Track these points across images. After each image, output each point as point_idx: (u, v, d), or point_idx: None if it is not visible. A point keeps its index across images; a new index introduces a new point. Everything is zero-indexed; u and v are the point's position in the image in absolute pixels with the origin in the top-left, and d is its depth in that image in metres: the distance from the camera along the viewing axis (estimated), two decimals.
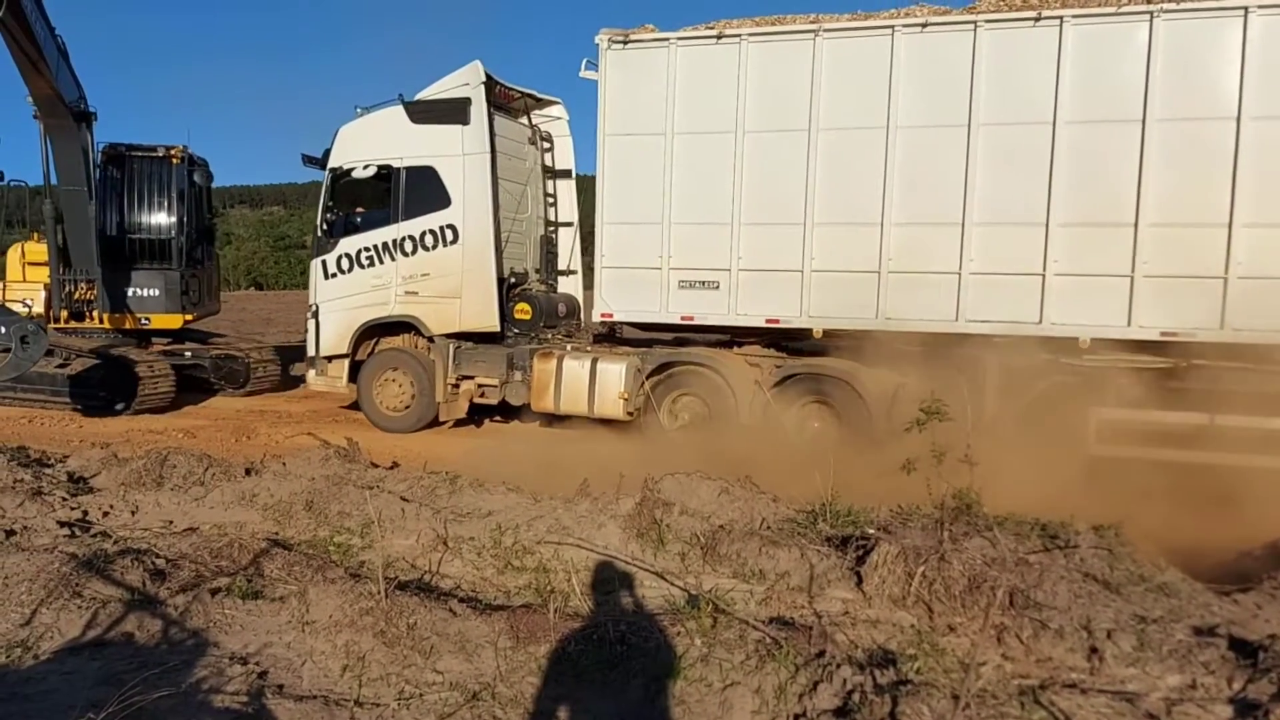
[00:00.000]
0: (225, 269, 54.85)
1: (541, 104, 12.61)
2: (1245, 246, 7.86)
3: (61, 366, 13.18)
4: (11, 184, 13.92)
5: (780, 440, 9.36)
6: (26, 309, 10.70)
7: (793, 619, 4.59)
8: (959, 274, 8.69)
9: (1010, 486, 6.22)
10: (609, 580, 5.22)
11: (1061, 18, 8.23)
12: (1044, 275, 8.43)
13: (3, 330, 10.10)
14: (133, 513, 6.95)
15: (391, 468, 8.18)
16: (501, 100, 11.69)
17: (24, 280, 14.30)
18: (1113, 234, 8.21)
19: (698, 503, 6.13)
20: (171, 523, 6.66)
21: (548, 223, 12.56)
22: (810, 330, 9.31)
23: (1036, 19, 8.32)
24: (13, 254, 14.60)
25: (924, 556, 4.67)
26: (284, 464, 7.81)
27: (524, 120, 12.39)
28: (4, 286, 14.18)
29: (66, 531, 6.21)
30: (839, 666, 3.71)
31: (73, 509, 6.85)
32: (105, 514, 6.89)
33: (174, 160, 14.06)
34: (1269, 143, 7.77)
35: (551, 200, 12.64)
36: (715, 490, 6.28)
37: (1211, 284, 7.98)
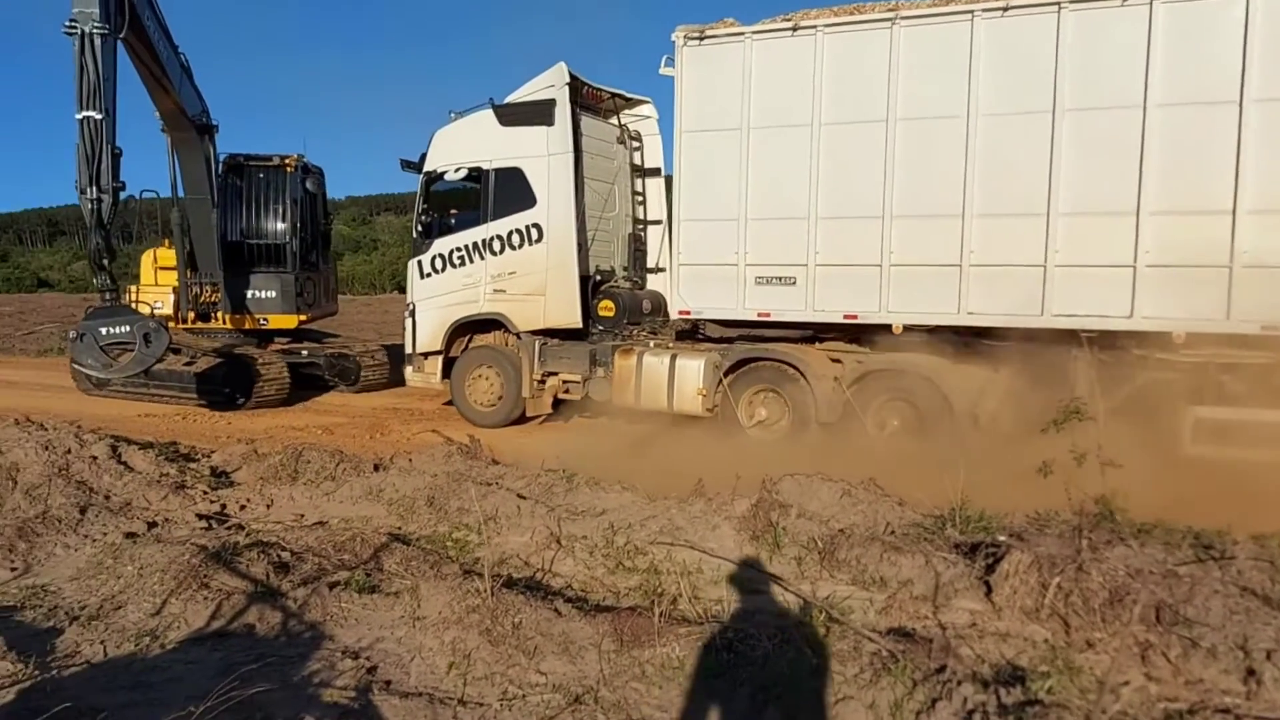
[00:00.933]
0: (371, 274, 57.57)
1: (631, 103, 12.68)
2: None
3: (189, 364, 14.09)
4: (144, 194, 14.92)
5: (859, 438, 9.22)
6: (151, 310, 11.47)
7: (914, 630, 4.26)
8: (1044, 266, 8.33)
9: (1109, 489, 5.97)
10: (719, 583, 5.02)
11: None
12: (1134, 267, 7.98)
13: (127, 329, 10.94)
14: (268, 506, 7.14)
15: (494, 463, 8.22)
16: (589, 101, 11.78)
17: (156, 284, 15.19)
18: (1206, 222, 7.72)
19: (817, 505, 5.82)
20: (303, 516, 6.80)
21: (636, 221, 12.62)
22: (890, 325, 9.10)
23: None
24: (146, 259, 15.57)
25: (1060, 566, 4.28)
26: (410, 460, 7.92)
27: (613, 120, 12.52)
28: (138, 289, 15.24)
29: (204, 524, 6.43)
30: (961, 683, 3.41)
31: (212, 502, 7.12)
32: (242, 507, 7.10)
33: (288, 169, 14.77)
34: None
35: (640, 199, 12.69)
36: (836, 492, 5.93)
37: None
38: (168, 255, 15.05)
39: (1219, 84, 7.58)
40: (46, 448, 7.54)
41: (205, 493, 7.32)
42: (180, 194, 14.13)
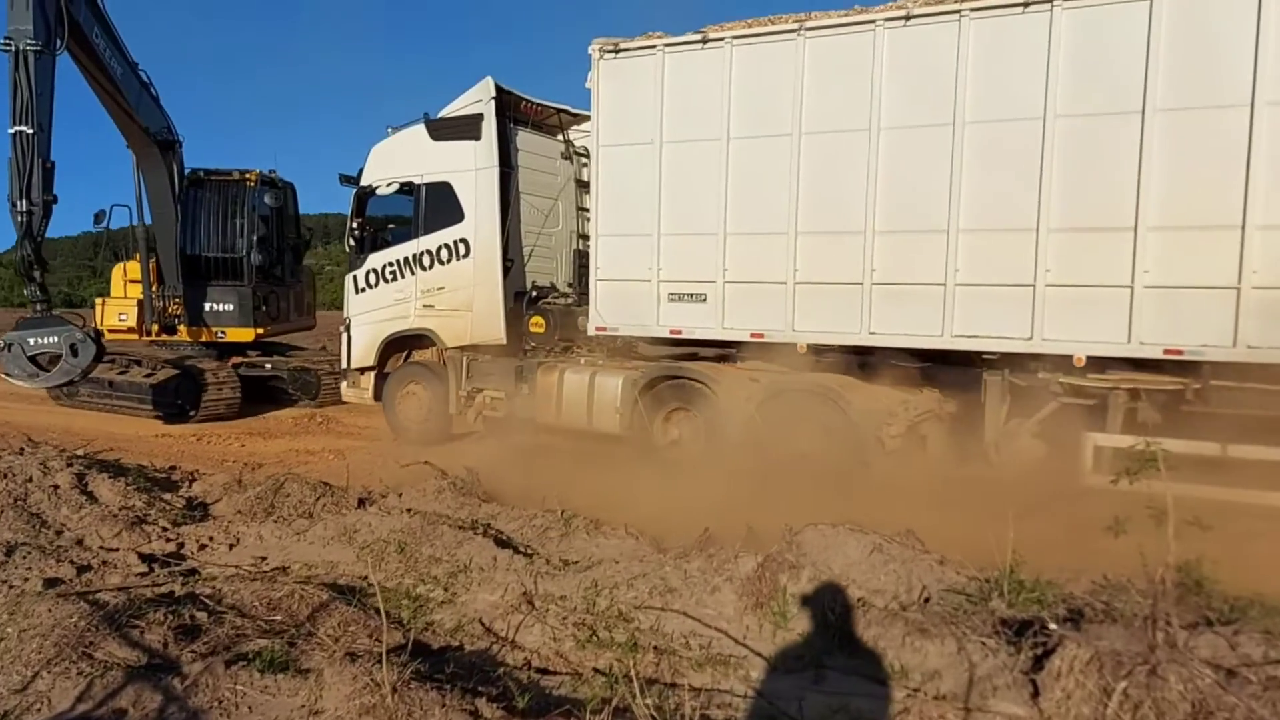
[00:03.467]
0: None
1: (578, 119, 12.56)
2: (1261, 252, 6.84)
3: (148, 376, 14.24)
4: (115, 208, 15.09)
5: (766, 459, 8.90)
6: (84, 321, 11.52)
7: None
8: (945, 285, 8.00)
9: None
10: (706, 667, 4.33)
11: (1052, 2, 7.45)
12: (1035, 286, 7.63)
13: (55, 340, 10.98)
14: (230, 546, 6.71)
15: (486, 502, 7.55)
16: (529, 116, 11.73)
17: (125, 296, 15.48)
18: (1107, 239, 7.34)
19: (841, 562, 4.93)
20: (264, 559, 6.38)
21: (582, 236, 12.48)
22: (795, 345, 8.80)
23: (1025, 5, 7.56)
24: (116, 272, 15.85)
25: (1127, 666, 3.49)
26: (399, 495, 7.58)
27: (560, 136, 12.38)
28: (104, 302, 15.40)
29: (145, 568, 6.03)
30: None
31: (169, 540, 6.71)
32: (202, 547, 6.68)
33: (249, 184, 14.92)
34: None
35: (587, 214, 12.55)
36: (866, 547, 5.03)
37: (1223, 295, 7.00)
38: (137, 268, 15.12)
39: (1121, 94, 7.23)
40: (4, 475, 7.33)
41: (165, 529, 6.94)
42: (146, 208, 14.18)
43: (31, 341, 10.90)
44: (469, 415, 11.16)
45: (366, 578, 5.64)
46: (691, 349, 10.13)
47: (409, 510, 6.94)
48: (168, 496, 7.85)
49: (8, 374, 11.17)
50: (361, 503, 7.44)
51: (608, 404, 9.97)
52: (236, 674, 4.12)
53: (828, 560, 4.94)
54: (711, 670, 4.31)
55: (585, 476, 8.70)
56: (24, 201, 10.62)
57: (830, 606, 4.60)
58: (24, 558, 6.04)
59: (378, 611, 4.75)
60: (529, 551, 6.14)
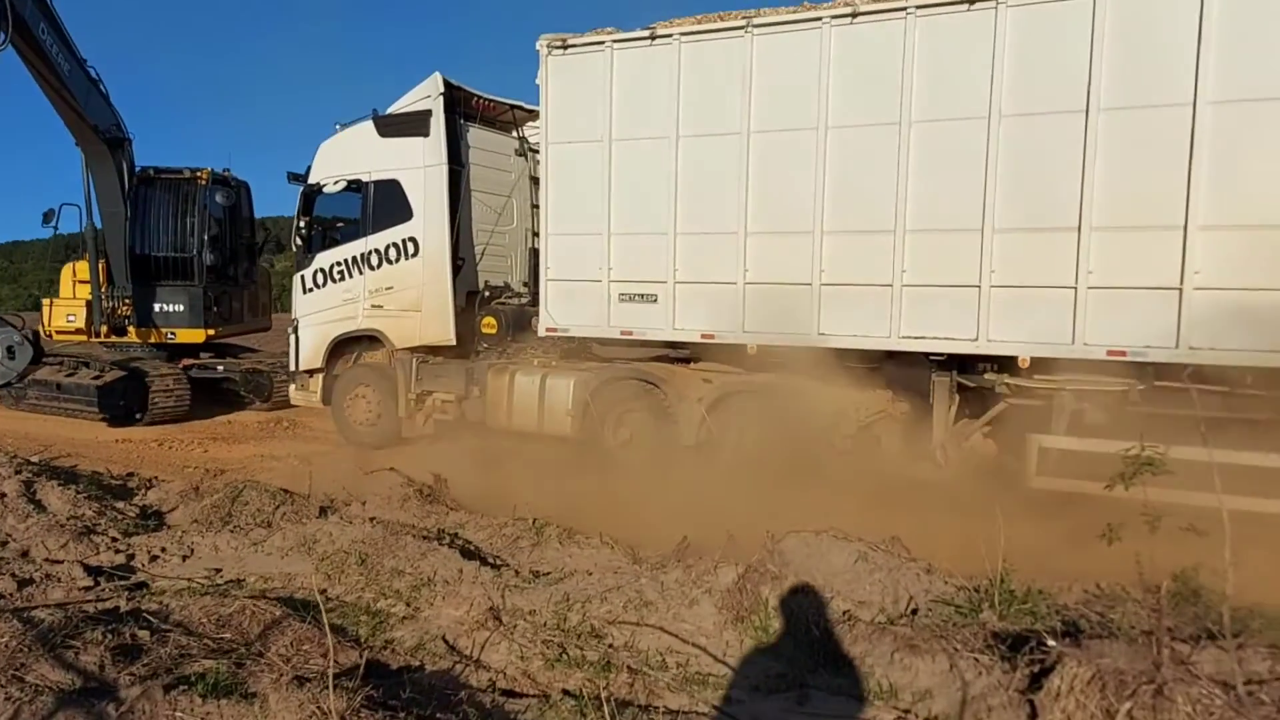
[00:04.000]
0: None
1: (532, 115, 12.37)
2: (1203, 253, 6.80)
3: (96, 378, 13.92)
4: (64, 207, 14.74)
5: (718, 463, 8.80)
6: (24, 323, 11.22)
7: None
8: (892, 286, 7.92)
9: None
10: (684, 688, 4.09)
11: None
12: (980, 287, 7.56)
13: None
14: (184, 558, 6.41)
15: (454, 510, 7.31)
16: (481, 112, 11.55)
17: (74, 297, 15.15)
18: (1054, 240, 7.27)
19: (825, 572, 4.74)
20: (219, 571, 6.11)
21: (536, 234, 12.29)
22: (745, 346, 8.69)
23: (970, 2, 7.49)
24: (65, 273, 15.51)
25: (1132, 686, 3.26)
26: (363, 503, 7.32)
27: (516, 133, 12.19)
28: (51, 303, 15.06)
29: (89, 581, 5.76)
30: None
31: (119, 551, 6.43)
32: (153, 558, 6.37)
33: (200, 182, 14.62)
34: (1228, 130, 6.70)
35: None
36: (850, 555, 4.84)
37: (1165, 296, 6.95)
38: (86, 269, 14.79)
39: (1065, 92, 7.18)
40: None
41: (115, 540, 6.63)
42: (95, 207, 13.85)
43: None
44: (419, 419, 10.96)
45: (325, 591, 5.40)
46: (656, 350, 9.97)
47: (372, 519, 6.70)
48: (120, 505, 7.59)
49: None
50: (323, 511, 7.20)
51: (559, 406, 9.83)
52: (176, 699, 3.84)
53: (811, 570, 4.73)
54: (690, 691, 4.08)
55: (549, 480, 8.54)
56: None
57: (814, 620, 4.38)
58: None
59: (334, 629, 4.54)
60: (498, 563, 5.91)
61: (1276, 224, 6.55)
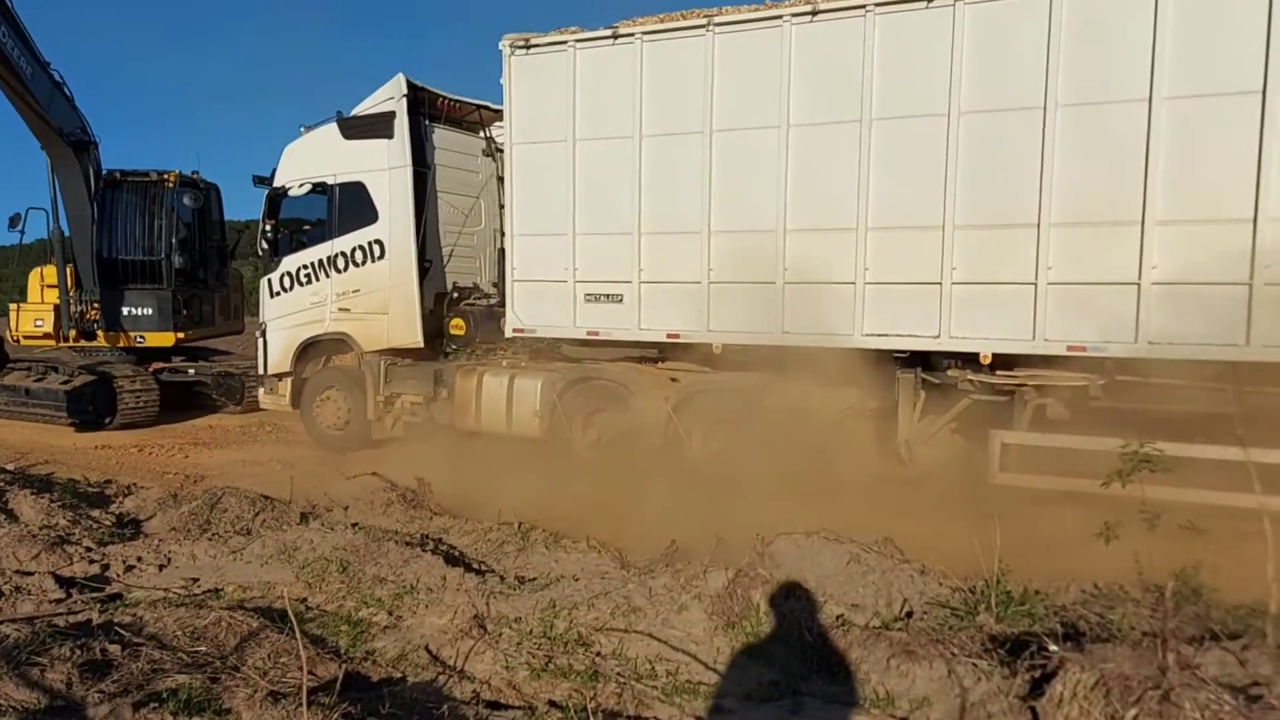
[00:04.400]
0: None
1: (499, 115, 12.28)
2: (1160, 248, 6.82)
3: (65, 383, 13.77)
4: (30, 211, 14.56)
5: (685, 462, 8.77)
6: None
7: None
8: (855, 284, 7.90)
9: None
10: (673, 698, 3.97)
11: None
12: (941, 284, 7.56)
13: None
14: (160, 567, 6.30)
15: (438, 515, 7.22)
16: (447, 112, 11.46)
17: (42, 301, 14.98)
18: (1014, 236, 7.28)
19: (817, 574, 4.64)
20: (196, 580, 6.01)
21: (505, 235, 12.22)
22: (710, 345, 8.66)
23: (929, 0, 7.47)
24: (33, 277, 15.34)
25: (1137, 691, 3.18)
26: (345, 509, 7.21)
27: (483, 133, 12.10)
28: (18, 308, 14.89)
29: (61, 593, 5.62)
30: None
31: (93, 561, 6.30)
32: (129, 568, 6.25)
33: (167, 185, 14.47)
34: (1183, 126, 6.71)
35: None
36: (843, 557, 4.72)
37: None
38: (54, 273, 14.62)
39: (1022, 89, 7.17)
40: None
41: (89, 550, 6.49)
42: (62, 211, 13.69)
43: None
44: (387, 421, 10.89)
45: (305, 600, 5.33)
46: (625, 350, 9.93)
47: (354, 525, 6.60)
48: (96, 513, 7.44)
49: None
50: (304, 518, 7.09)
51: (527, 408, 9.78)
52: (146, 717, 3.71)
53: (803, 572, 4.61)
54: (680, 701, 3.96)
55: (526, 480, 8.49)
56: None
57: (807, 625, 4.25)
58: None
59: (313, 640, 4.46)
60: (483, 569, 5.79)
61: (1231, 218, 6.57)
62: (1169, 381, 6.98)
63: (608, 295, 9.17)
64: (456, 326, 10.83)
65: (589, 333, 9.35)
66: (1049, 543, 5.69)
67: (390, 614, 5.09)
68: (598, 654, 4.36)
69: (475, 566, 5.83)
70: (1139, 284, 6.86)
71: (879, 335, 7.88)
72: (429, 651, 4.57)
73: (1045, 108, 7.12)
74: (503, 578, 5.52)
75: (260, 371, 11.90)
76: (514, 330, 9.81)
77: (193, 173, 15.38)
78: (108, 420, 13.50)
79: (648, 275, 8.93)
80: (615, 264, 9.08)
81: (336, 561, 5.83)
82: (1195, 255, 6.68)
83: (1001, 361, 7.56)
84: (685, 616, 4.50)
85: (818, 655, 4.11)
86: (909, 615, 4.44)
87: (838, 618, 4.36)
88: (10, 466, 8.75)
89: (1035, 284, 7.21)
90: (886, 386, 8.19)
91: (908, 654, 3.84)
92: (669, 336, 8.91)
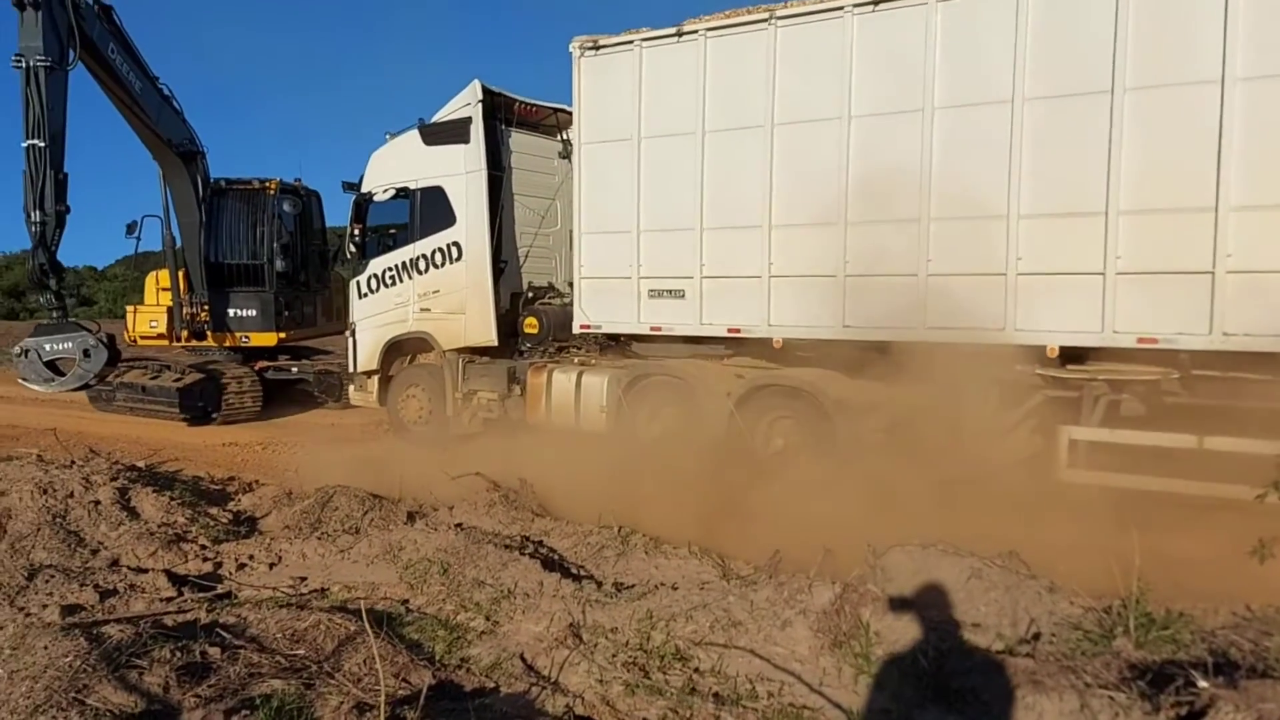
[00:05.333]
0: None
1: None
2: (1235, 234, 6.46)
3: (177, 380, 14.62)
4: (146, 219, 15.54)
5: (747, 458, 8.72)
6: (99, 327, 11.88)
7: None
8: (917, 275, 7.75)
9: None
10: (773, 719, 3.80)
11: None
12: (1006, 275, 7.33)
13: (69, 345, 11.31)
14: (271, 565, 6.36)
15: (539, 516, 7.13)
16: (524, 116, 11.71)
17: (157, 304, 15.97)
18: (1082, 225, 7.01)
19: (934, 591, 4.37)
20: (304, 579, 6.04)
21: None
22: (771, 340, 8.61)
23: None
24: (149, 280, 16.40)
25: None
26: (450, 509, 7.24)
27: (560, 136, 12.32)
28: (135, 309, 15.89)
29: (172, 591, 5.70)
30: None
31: (206, 559, 6.42)
32: (240, 566, 6.34)
33: (269, 192, 15.22)
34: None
35: None
36: (962, 572, 4.37)
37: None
38: (168, 276, 15.54)
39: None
40: (45, 491, 7.05)
41: (204, 547, 6.63)
42: (173, 218, 14.60)
43: (47, 347, 11.30)
44: (465, 417, 11.19)
45: (406, 602, 5.36)
46: (692, 346, 9.93)
47: (457, 526, 6.60)
48: (214, 511, 7.61)
49: (24, 379, 11.58)
50: (411, 517, 7.13)
51: (594, 403, 9.90)
52: None
53: (918, 588, 4.30)
54: None
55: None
56: (38, 212, 11.02)
57: (922, 647, 3.91)
58: (47, 581, 5.73)
59: (410, 645, 4.44)
60: (580, 574, 5.72)
61: None
62: (1250, 376, 6.61)
63: (670, 291, 9.25)
64: (530, 325, 11.06)
65: (652, 328, 9.45)
66: (1181, 559, 5.30)
67: (487, 619, 5.04)
68: (695, 670, 4.16)
69: (573, 571, 5.76)
70: (1213, 273, 6.51)
71: (941, 328, 7.69)
72: (523, 660, 4.45)
73: (1113, 91, 6.85)
74: (600, 584, 5.40)
75: (350, 369, 12.40)
76: (581, 326, 9.97)
77: (295, 180, 16.17)
78: (214, 415, 14.28)
79: (709, 271, 8.97)
80: (678, 260, 9.18)
81: (438, 563, 5.80)
82: (1273, 242, 6.31)
83: (1070, 355, 7.28)
84: (789, 633, 4.21)
85: (933, 681, 3.79)
86: (1036, 637, 4.04)
87: (957, 639, 4.03)
88: (141, 464, 9.04)
89: (1104, 274, 6.92)
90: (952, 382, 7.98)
91: (1034, 683, 3.46)
92: (729, 331, 8.94)
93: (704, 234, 8.94)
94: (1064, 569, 4.54)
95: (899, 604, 4.17)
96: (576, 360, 10.63)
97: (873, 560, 4.50)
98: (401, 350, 11.95)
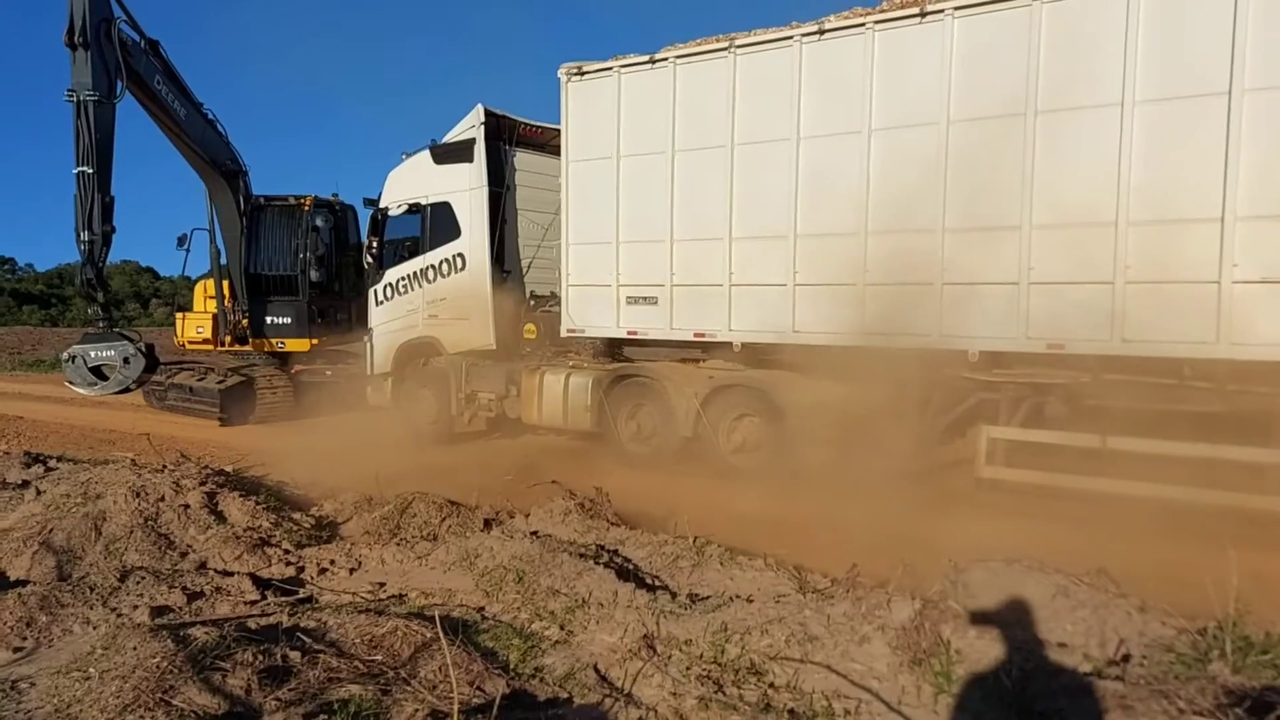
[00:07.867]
0: None
1: None
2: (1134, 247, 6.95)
3: (220, 383, 15.73)
4: (195, 232, 16.74)
5: (711, 452, 9.38)
6: (139, 336, 12.97)
7: None
8: (856, 285, 8.34)
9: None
10: None
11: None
12: (934, 284, 7.89)
13: (111, 353, 12.42)
14: (351, 570, 6.44)
15: (615, 525, 7.02)
16: (527, 137, 12.52)
17: (204, 311, 17.15)
18: (997, 238, 7.55)
19: (1018, 608, 4.16)
20: (383, 585, 6.10)
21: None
22: (730, 344, 9.26)
23: (922, 15, 7.85)
24: (198, 289, 17.66)
25: None
26: (526, 516, 7.26)
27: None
28: (183, 316, 17.09)
29: (257, 594, 5.82)
30: None
31: (289, 563, 6.50)
32: (322, 571, 6.44)
33: (304, 208, 16.28)
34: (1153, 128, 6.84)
35: None
36: (1048, 590, 4.17)
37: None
38: (214, 286, 16.67)
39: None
40: (138, 494, 7.19)
41: (287, 552, 6.70)
42: (217, 231, 15.76)
43: (92, 354, 12.44)
44: (466, 416, 11.98)
45: (482, 609, 5.44)
46: (671, 349, 10.62)
47: (533, 534, 6.58)
48: (297, 516, 7.66)
49: (70, 382, 12.71)
50: (488, 524, 7.20)
51: (579, 403, 10.62)
52: None
53: (1001, 605, 4.13)
54: None
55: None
56: (86, 232, 12.15)
57: (1005, 667, 3.75)
58: (138, 583, 5.85)
59: (485, 653, 4.54)
60: (655, 584, 5.67)
61: (1195, 218, 6.64)
62: (1156, 380, 7.06)
63: (645, 298, 9.99)
64: (529, 331, 11.88)
65: (629, 332, 10.20)
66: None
67: (561, 628, 5.01)
68: (771, 685, 4.06)
69: (648, 581, 5.74)
70: (1113, 283, 7.01)
71: (881, 334, 8.25)
72: (597, 671, 4.42)
73: (1026, 114, 7.39)
74: (674, 595, 5.33)
75: (368, 372, 13.31)
76: (568, 330, 10.75)
77: (332, 195, 17.23)
78: (251, 417, 15.33)
79: (679, 279, 9.68)
80: (652, 268, 9.94)
81: (514, 571, 5.80)
82: (1166, 254, 6.79)
83: (992, 360, 7.78)
84: (867, 649, 4.07)
85: (1017, 703, 3.63)
86: (1125, 659, 3.84)
87: (1042, 659, 3.86)
88: (229, 468, 9.12)
89: (1018, 284, 7.45)
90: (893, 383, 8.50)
91: (1124, 708, 3.28)
92: (696, 336, 9.67)
93: (674, 245, 9.70)
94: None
95: (981, 621, 4.03)
96: (570, 363, 11.37)
97: (953, 576, 4.36)
98: (413, 354, 12.85)
